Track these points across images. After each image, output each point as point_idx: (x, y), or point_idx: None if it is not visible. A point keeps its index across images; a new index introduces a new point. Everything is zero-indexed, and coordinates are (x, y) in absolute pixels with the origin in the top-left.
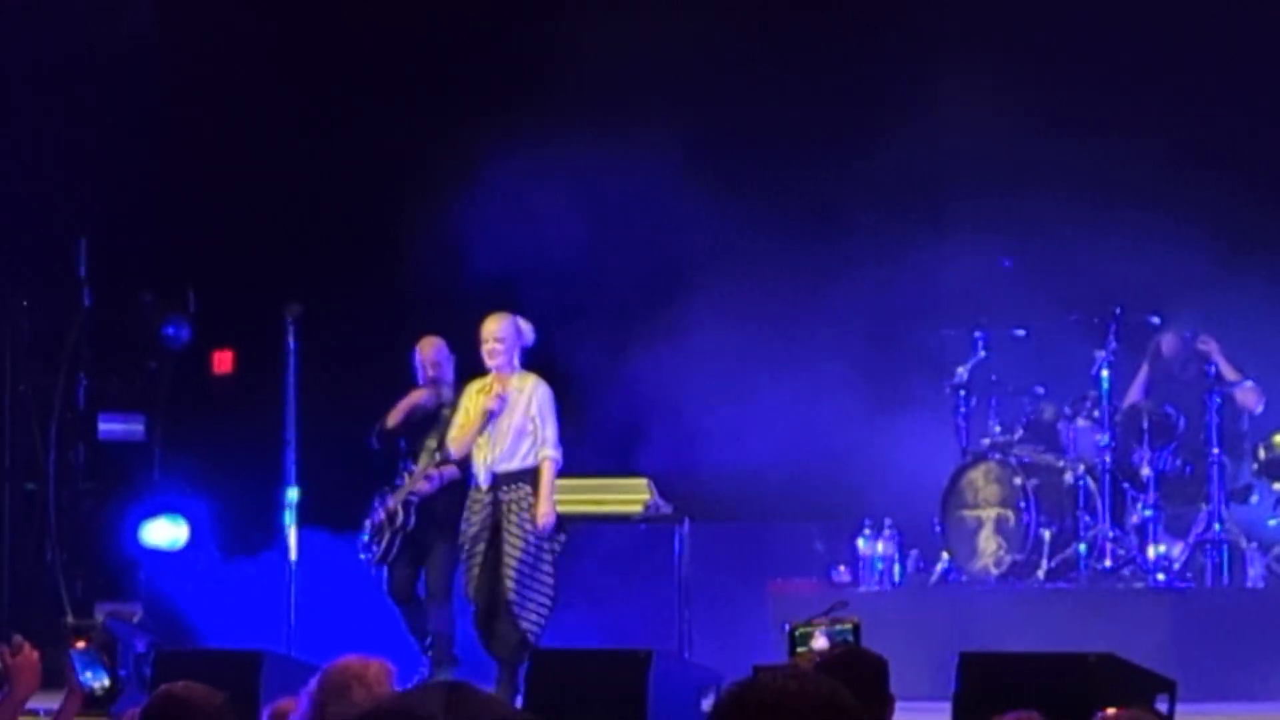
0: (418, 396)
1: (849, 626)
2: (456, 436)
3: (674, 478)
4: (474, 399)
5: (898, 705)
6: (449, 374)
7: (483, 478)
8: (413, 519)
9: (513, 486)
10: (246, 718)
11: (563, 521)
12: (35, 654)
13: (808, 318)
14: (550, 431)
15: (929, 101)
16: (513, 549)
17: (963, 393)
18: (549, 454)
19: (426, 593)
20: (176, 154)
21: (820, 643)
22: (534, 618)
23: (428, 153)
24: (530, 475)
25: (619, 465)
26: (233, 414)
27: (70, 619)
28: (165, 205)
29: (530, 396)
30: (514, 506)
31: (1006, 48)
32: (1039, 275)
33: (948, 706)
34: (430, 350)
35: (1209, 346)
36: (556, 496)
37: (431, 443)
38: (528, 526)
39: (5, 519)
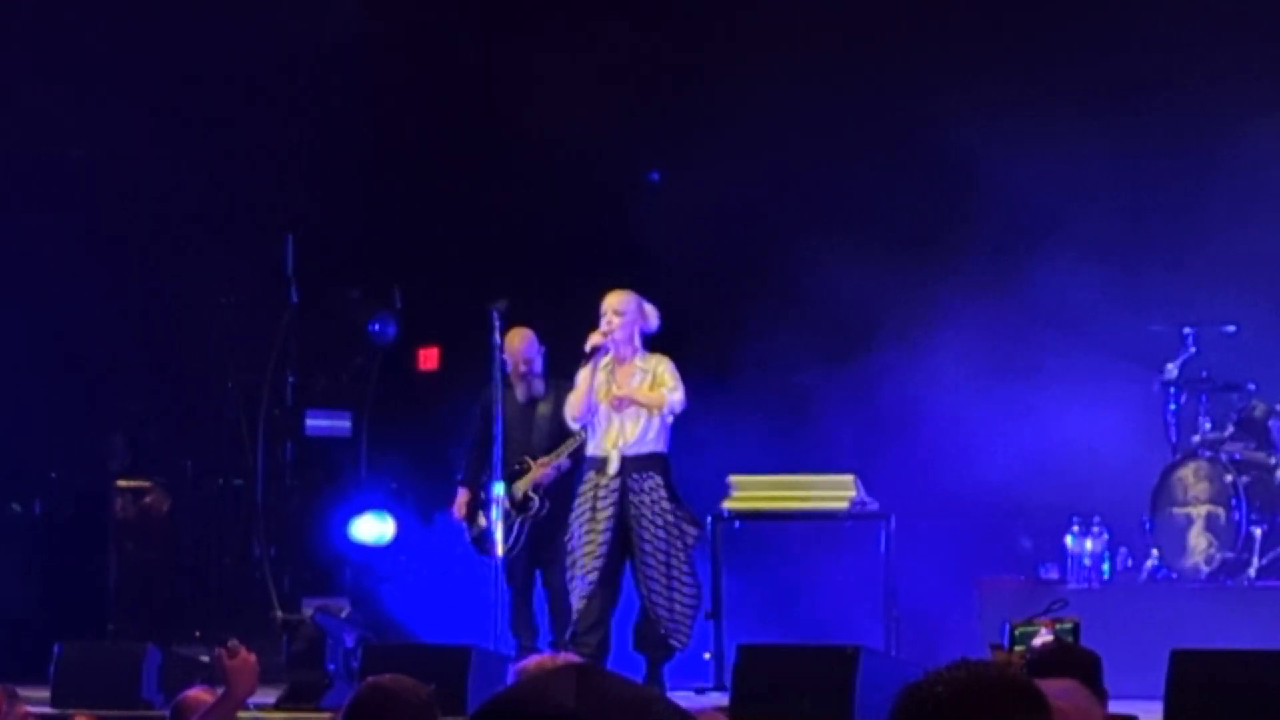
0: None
1: (1069, 626)
2: (574, 401)
3: (880, 474)
4: (592, 372)
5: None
6: (539, 367)
7: (613, 462)
8: (546, 504)
9: (643, 475)
10: (454, 712)
11: (694, 517)
12: (253, 657)
13: (1016, 316)
14: (677, 387)
15: (1132, 91)
16: (647, 547)
17: (1172, 389)
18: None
19: (549, 588)
20: (383, 150)
21: (1043, 641)
22: (680, 621)
23: (634, 147)
24: (659, 461)
25: (825, 462)
26: (438, 410)
27: (279, 614)
28: (372, 202)
29: (654, 372)
30: (645, 499)
31: (1212, 24)
32: (1249, 270)
33: (1159, 705)
34: (521, 344)
35: None
36: (759, 493)
37: (534, 437)
38: (659, 521)
39: (214, 516)
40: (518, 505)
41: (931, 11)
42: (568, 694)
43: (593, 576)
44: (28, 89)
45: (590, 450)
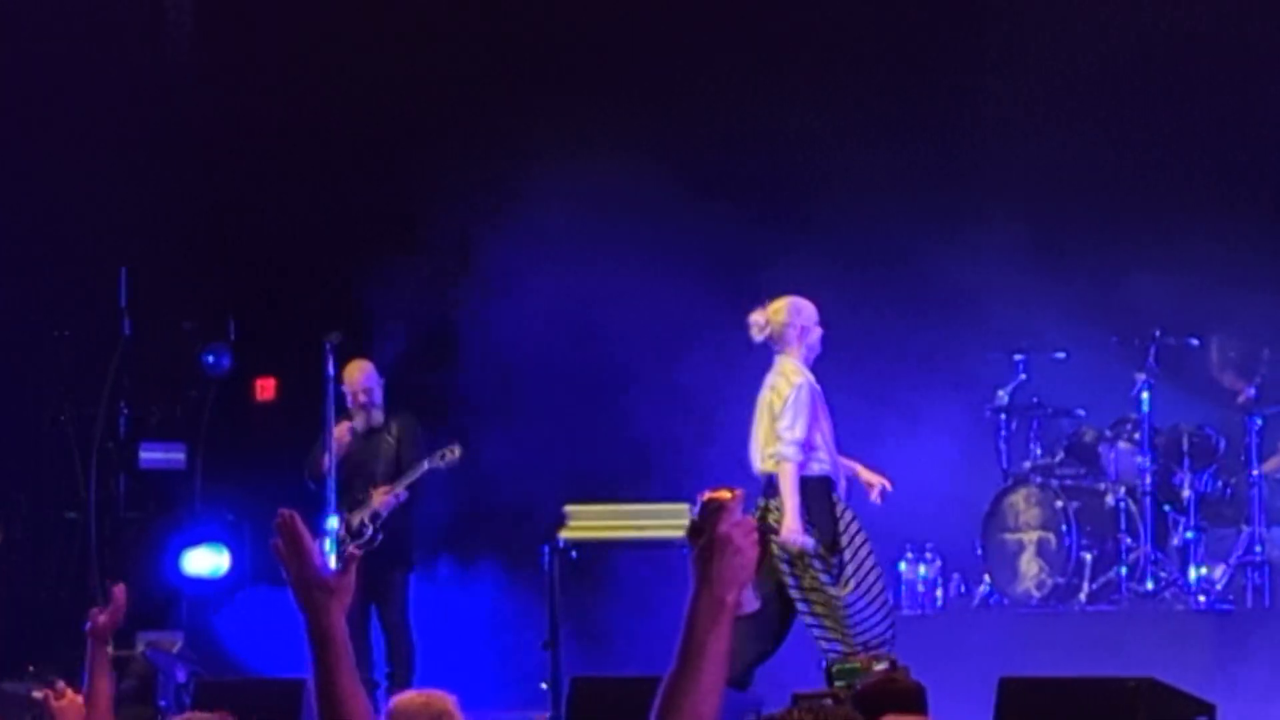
0: (343, 435)
1: (884, 665)
2: None
3: None
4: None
5: None
6: (379, 398)
7: (843, 483)
8: (380, 535)
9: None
10: None
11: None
12: (79, 698)
13: (846, 342)
14: (785, 425)
15: (970, 121)
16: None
17: (1003, 416)
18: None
19: (384, 624)
20: (216, 182)
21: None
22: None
23: (461, 182)
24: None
25: (661, 491)
26: (274, 442)
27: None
28: (205, 233)
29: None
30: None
31: (1049, 68)
32: (1079, 298)
33: None
34: (360, 376)
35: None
36: (595, 523)
37: (379, 468)
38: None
39: (47, 549)
40: (352, 533)
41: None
42: None
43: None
44: None
45: (831, 471)
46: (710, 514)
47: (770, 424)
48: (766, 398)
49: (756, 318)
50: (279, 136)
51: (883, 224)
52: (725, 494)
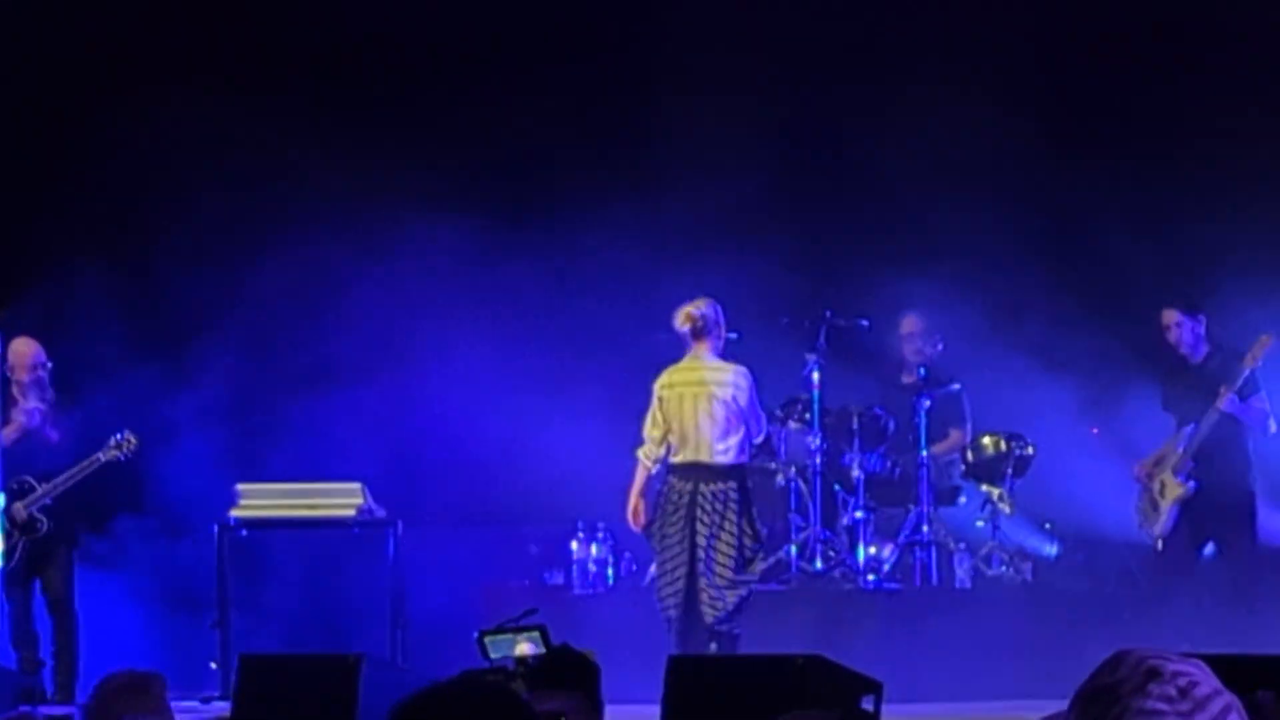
0: (21, 418)
1: (535, 633)
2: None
3: (390, 482)
4: None
5: (608, 708)
6: (46, 376)
7: None
8: (51, 524)
9: None
10: None
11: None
12: None
13: (525, 323)
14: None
15: (647, 102)
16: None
17: None
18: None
19: (49, 596)
20: None
21: (524, 648)
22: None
23: (123, 158)
24: None
25: (332, 470)
26: None
27: None
28: None
29: None
30: None
31: (722, 53)
32: (750, 279)
33: (658, 710)
34: (29, 352)
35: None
36: (266, 501)
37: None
38: None
39: None
40: (21, 526)
41: None
42: None
43: None
44: None
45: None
46: None
47: (736, 419)
48: (723, 394)
49: (690, 310)
50: None
51: (552, 202)
52: None
